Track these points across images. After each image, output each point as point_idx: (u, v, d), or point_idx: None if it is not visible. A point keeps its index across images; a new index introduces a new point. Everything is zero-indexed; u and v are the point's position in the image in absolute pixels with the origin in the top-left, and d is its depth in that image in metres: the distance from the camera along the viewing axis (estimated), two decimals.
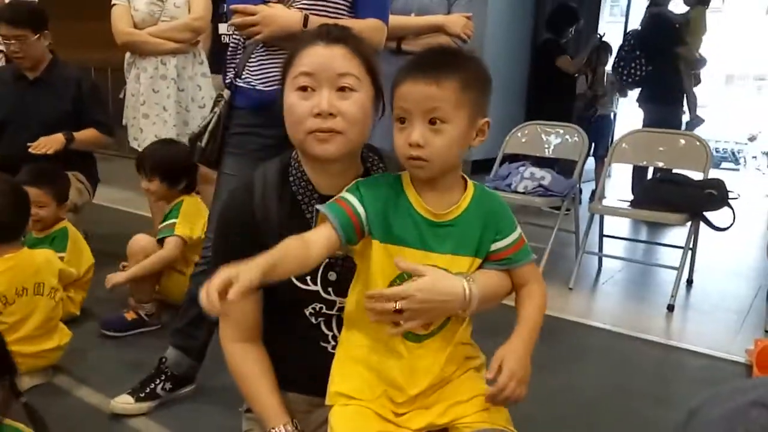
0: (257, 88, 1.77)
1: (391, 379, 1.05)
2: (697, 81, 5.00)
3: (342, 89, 1.10)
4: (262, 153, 1.75)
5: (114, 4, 2.98)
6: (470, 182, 1.10)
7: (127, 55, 3.07)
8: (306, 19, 1.68)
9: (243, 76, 1.80)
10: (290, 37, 1.67)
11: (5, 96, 2.83)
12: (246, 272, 0.88)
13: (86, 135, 2.87)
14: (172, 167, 2.45)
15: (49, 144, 2.72)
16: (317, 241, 1.02)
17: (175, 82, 2.98)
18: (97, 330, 2.41)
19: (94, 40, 4.26)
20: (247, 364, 1.19)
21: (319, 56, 1.10)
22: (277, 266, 0.94)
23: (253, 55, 1.79)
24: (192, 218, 2.45)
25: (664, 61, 4.68)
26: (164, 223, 2.43)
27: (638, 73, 4.83)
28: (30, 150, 2.69)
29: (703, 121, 4.97)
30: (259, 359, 1.19)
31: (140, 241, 2.49)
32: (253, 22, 1.70)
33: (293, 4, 1.73)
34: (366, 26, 1.73)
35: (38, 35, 2.76)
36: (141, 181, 2.54)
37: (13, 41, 2.72)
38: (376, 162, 1.21)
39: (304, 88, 1.09)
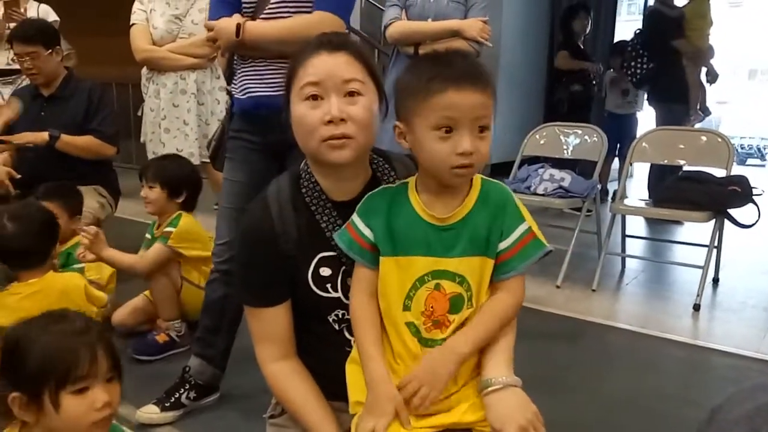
0: (235, 96, 1.85)
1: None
2: (712, 76, 4.93)
3: (348, 94, 1.11)
4: (250, 157, 1.84)
5: (133, 24, 3.05)
6: (476, 176, 1.09)
7: (144, 70, 3.13)
8: (238, 27, 1.73)
9: (232, 84, 1.90)
10: (240, 46, 1.76)
11: (22, 115, 2.88)
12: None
13: (78, 139, 2.84)
14: (175, 177, 2.42)
15: (30, 138, 2.73)
16: (370, 292, 1.10)
17: (195, 96, 3.04)
18: (121, 341, 2.43)
19: (115, 55, 4.33)
20: (290, 386, 1.19)
21: (323, 65, 1.11)
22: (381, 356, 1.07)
23: (236, 65, 1.88)
24: (189, 236, 2.41)
25: (664, 57, 4.66)
26: (165, 229, 2.38)
27: (639, 72, 4.85)
28: (11, 140, 2.73)
29: (703, 118, 4.92)
30: (300, 378, 1.19)
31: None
32: (212, 38, 1.81)
33: (263, 12, 1.76)
34: (317, 19, 1.71)
35: (50, 51, 2.82)
36: (142, 188, 2.47)
37: (26, 58, 2.79)
38: (381, 164, 1.22)
39: (312, 97, 1.11)
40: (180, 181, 2.42)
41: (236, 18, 1.75)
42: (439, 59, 1.05)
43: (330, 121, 1.09)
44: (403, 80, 1.07)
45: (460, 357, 1.03)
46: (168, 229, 2.38)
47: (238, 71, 1.86)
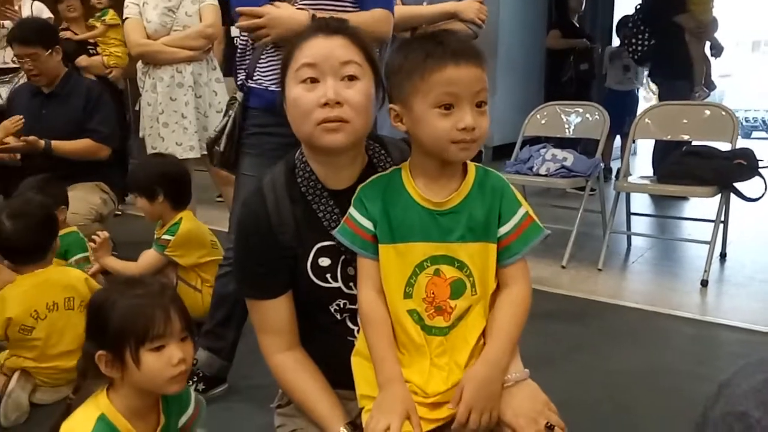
0: (269, 89, 1.77)
1: (413, 381, 1.03)
2: (717, 50, 4.84)
3: (346, 78, 1.09)
4: (279, 151, 1.75)
5: (126, 18, 3.03)
6: (470, 164, 1.08)
7: (140, 65, 3.12)
8: (312, 18, 1.66)
9: (254, 77, 1.81)
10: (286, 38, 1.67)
11: (22, 113, 2.87)
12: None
13: (72, 144, 2.82)
14: (143, 181, 2.36)
15: (26, 147, 2.73)
16: (378, 287, 1.06)
17: (192, 89, 3.03)
18: None
19: None
20: (295, 377, 1.18)
21: (320, 47, 1.09)
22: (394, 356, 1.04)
23: (262, 56, 1.80)
24: (189, 243, 2.35)
25: (666, 33, 4.56)
26: (163, 236, 2.35)
27: (641, 48, 4.75)
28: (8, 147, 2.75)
29: (708, 94, 4.83)
30: (305, 368, 1.18)
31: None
32: (260, 25, 1.70)
33: (297, 3, 1.72)
34: (371, 17, 1.72)
35: (50, 51, 2.80)
36: None
37: (26, 59, 2.78)
38: (378, 150, 1.20)
39: (309, 80, 1.08)
40: (149, 184, 2.34)
41: (300, 11, 1.69)
42: (430, 38, 1.03)
43: (326, 104, 1.07)
44: (395, 62, 1.05)
45: (506, 368, 1.03)
46: (166, 237, 2.34)
47: (264, 63, 1.78)
